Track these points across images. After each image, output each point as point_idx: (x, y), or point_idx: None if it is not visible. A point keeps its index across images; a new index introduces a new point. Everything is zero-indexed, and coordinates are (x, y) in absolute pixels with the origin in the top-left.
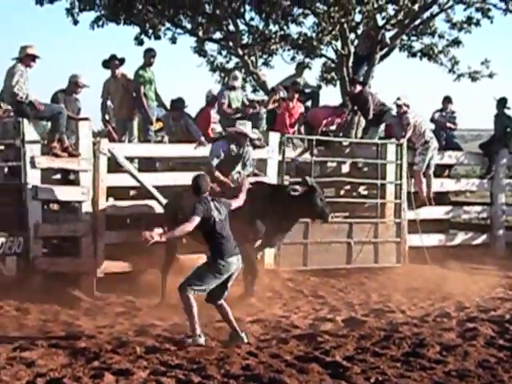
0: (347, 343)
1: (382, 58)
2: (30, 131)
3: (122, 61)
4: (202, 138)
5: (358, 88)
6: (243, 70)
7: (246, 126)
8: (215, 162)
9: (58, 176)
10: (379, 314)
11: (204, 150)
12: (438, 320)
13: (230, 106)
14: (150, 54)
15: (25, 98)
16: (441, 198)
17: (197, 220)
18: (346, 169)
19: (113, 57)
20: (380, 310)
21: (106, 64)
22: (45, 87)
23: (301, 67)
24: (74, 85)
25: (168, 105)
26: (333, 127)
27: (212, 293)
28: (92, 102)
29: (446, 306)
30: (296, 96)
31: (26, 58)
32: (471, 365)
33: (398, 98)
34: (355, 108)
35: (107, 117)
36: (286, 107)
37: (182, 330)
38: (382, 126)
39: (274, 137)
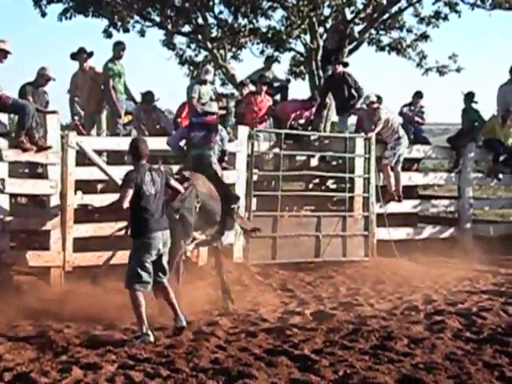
0: (316, 336)
1: (351, 51)
2: None
3: (90, 54)
4: (174, 132)
5: (341, 68)
6: (212, 64)
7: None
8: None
9: (26, 170)
10: (347, 308)
11: None
12: (406, 313)
13: (199, 100)
14: (119, 47)
15: None
16: (409, 192)
17: (130, 192)
18: (314, 162)
19: (81, 50)
20: (348, 303)
21: (75, 56)
22: (12, 80)
23: (269, 61)
24: (41, 77)
25: (137, 98)
26: (301, 121)
27: (153, 272)
28: (60, 95)
29: (413, 300)
30: (264, 89)
31: None
32: (438, 357)
33: (367, 98)
34: (329, 93)
35: (75, 110)
36: (253, 101)
37: (151, 323)
38: (352, 120)
39: (243, 131)
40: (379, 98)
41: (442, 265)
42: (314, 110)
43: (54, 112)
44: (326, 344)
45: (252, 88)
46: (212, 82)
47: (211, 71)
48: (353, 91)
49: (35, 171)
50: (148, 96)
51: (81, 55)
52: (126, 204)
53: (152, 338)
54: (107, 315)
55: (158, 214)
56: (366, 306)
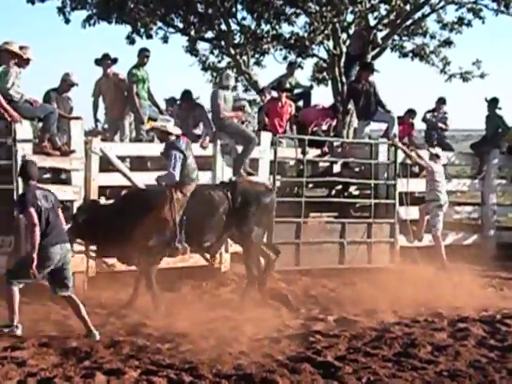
0: (339, 343)
1: (374, 57)
2: (21, 130)
3: (114, 60)
4: (207, 139)
5: (372, 76)
6: (235, 70)
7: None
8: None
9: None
10: (371, 314)
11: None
12: (430, 320)
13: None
14: (144, 54)
15: (19, 98)
16: None
17: (32, 211)
18: (337, 168)
19: (105, 56)
20: (371, 310)
21: (99, 62)
22: (36, 86)
23: (292, 67)
24: (65, 83)
25: (161, 104)
26: (324, 127)
27: (52, 284)
28: (83, 100)
29: (437, 307)
30: (283, 95)
31: (21, 59)
32: (462, 365)
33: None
34: (352, 100)
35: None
36: (274, 107)
37: (174, 329)
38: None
39: (266, 136)
40: (412, 112)
41: (465, 271)
42: (336, 118)
43: (77, 118)
44: (350, 351)
45: (274, 94)
46: (235, 88)
47: (232, 77)
48: (374, 99)
49: (58, 177)
50: (187, 94)
51: (105, 61)
52: (36, 221)
53: (20, 332)
54: (130, 320)
55: (58, 227)
56: (389, 312)
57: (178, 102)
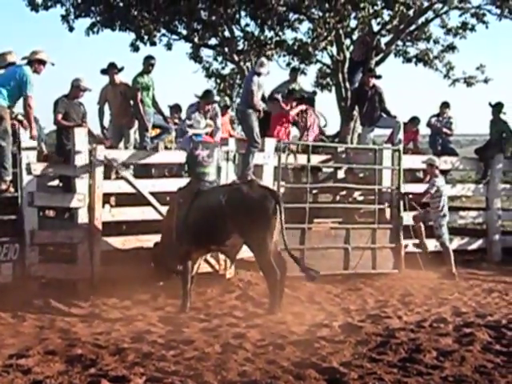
0: (344, 349)
1: (378, 63)
2: (26, 138)
3: (120, 70)
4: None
5: (373, 81)
6: (239, 76)
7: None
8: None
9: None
10: (376, 320)
11: None
12: (435, 325)
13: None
14: (148, 62)
15: None
16: None
17: None
18: (341, 174)
19: (112, 64)
20: (376, 315)
21: (105, 71)
22: (42, 93)
23: (295, 72)
24: (76, 89)
25: (166, 111)
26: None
27: None
28: (88, 107)
29: (442, 312)
30: (294, 104)
31: (36, 62)
32: (468, 370)
33: (432, 160)
34: (356, 106)
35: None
36: (281, 114)
37: (179, 336)
38: (375, 132)
39: (270, 142)
40: (416, 119)
41: (470, 276)
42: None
43: (81, 126)
44: (355, 357)
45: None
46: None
47: (266, 64)
48: (378, 105)
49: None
50: (208, 93)
51: (111, 70)
52: None
53: None
54: (135, 328)
55: None
56: (394, 318)
57: (197, 101)
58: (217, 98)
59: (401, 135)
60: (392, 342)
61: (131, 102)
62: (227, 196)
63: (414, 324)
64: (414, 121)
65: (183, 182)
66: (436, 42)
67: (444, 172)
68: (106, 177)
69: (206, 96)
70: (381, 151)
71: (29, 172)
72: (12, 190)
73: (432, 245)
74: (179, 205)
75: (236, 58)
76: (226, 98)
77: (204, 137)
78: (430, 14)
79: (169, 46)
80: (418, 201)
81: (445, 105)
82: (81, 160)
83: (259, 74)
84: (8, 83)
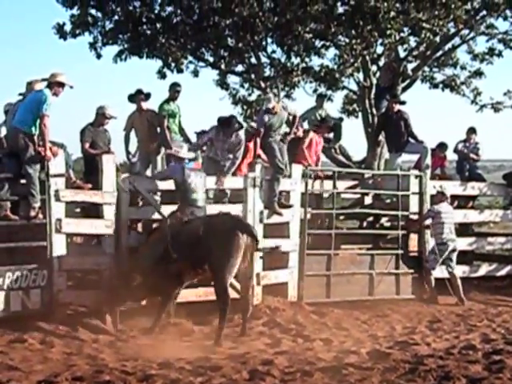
0: (372, 376)
1: (404, 89)
2: (54, 165)
3: (147, 95)
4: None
5: (397, 107)
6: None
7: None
8: None
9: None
10: (404, 347)
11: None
12: (464, 352)
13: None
14: (174, 89)
15: None
16: (464, 230)
17: None
18: (368, 200)
19: (138, 91)
20: (404, 342)
21: (132, 98)
22: (68, 121)
23: (321, 99)
24: (101, 116)
25: (192, 138)
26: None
27: None
28: (114, 134)
29: (471, 338)
30: (325, 132)
31: (55, 85)
32: None
33: (441, 187)
34: (382, 133)
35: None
36: (311, 141)
37: (206, 362)
38: (403, 157)
39: (297, 169)
40: (444, 145)
41: (498, 303)
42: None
43: (109, 152)
44: None
45: (306, 127)
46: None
47: (271, 98)
48: (405, 130)
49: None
50: (230, 123)
51: (138, 96)
52: None
53: None
54: (163, 354)
55: None
56: (422, 344)
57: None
58: (243, 124)
59: (428, 160)
60: (421, 369)
61: (158, 129)
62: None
63: (443, 351)
64: (442, 147)
65: (209, 208)
66: (463, 67)
67: (471, 198)
68: (133, 203)
69: (227, 125)
70: (404, 177)
71: (57, 199)
72: (41, 216)
73: (460, 271)
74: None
75: (262, 85)
76: (253, 124)
77: (194, 164)
78: (456, 40)
79: (195, 73)
80: (413, 226)
81: (471, 130)
82: (108, 186)
83: (268, 111)
84: (31, 109)
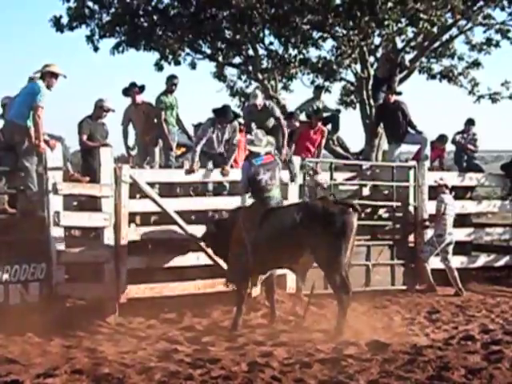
0: (371, 367)
1: (402, 80)
2: (51, 158)
3: (141, 88)
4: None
5: (394, 98)
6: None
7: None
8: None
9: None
10: (403, 338)
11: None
12: (463, 343)
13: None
14: (172, 81)
15: None
16: (462, 220)
17: None
18: (366, 192)
19: (132, 84)
20: (403, 333)
21: (127, 92)
22: (64, 113)
23: (319, 90)
24: (99, 109)
25: (190, 130)
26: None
27: None
28: (112, 127)
29: (469, 329)
30: (319, 124)
31: (48, 75)
32: None
33: (441, 179)
34: (380, 124)
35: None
36: (307, 132)
37: (205, 355)
38: (402, 148)
39: (295, 161)
40: (444, 137)
41: (497, 293)
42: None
43: (106, 145)
44: (382, 375)
45: (302, 118)
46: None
47: (258, 94)
48: (403, 120)
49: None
50: (225, 112)
51: (132, 90)
52: None
53: None
54: (161, 346)
55: None
56: (421, 335)
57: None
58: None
59: (427, 151)
60: (419, 360)
61: (155, 121)
62: (302, 213)
63: (442, 341)
64: (442, 139)
65: (208, 200)
66: (460, 58)
67: (469, 188)
68: (132, 196)
69: (223, 115)
70: (401, 168)
71: (55, 192)
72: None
73: (458, 261)
74: (246, 227)
75: (260, 77)
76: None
77: (264, 158)
78: (454, 31)
79: (193, 65)
80: (434, 220)
81: (470, 122)
82: (106, 179)
83: (255, 106)
84: (26, 102)
